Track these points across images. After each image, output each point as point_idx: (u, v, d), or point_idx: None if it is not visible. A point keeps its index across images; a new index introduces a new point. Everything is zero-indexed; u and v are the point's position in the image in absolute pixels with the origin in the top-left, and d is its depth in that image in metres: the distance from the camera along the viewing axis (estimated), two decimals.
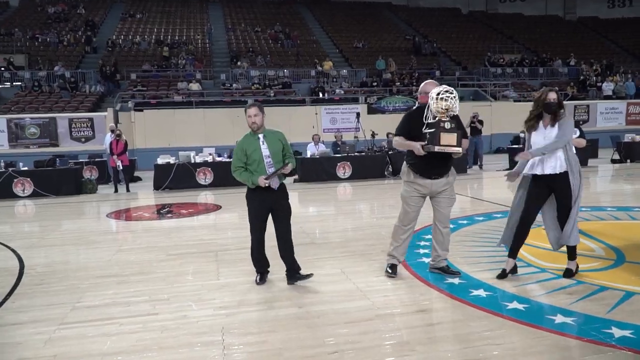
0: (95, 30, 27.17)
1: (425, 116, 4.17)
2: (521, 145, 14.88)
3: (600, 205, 7.63)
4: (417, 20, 32.47)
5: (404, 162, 4.50)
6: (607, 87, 23.12)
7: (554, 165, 4.13)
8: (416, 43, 27.96)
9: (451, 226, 6.51)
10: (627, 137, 15.46)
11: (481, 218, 7.06)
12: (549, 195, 4.27)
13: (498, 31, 32.05)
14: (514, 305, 3.70)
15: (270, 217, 4.48)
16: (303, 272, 4.49)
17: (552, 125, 4.15)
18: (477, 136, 14.75)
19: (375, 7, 33.81)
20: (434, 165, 4.27)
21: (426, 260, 4.93)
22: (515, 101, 21.93)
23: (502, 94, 22.72)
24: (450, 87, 4.14)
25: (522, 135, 15.64)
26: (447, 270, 4.53)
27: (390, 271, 4.55)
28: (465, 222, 6.83)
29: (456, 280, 4.32)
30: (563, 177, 4.13)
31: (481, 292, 3.99)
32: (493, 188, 11.38)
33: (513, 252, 4.37)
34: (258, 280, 4.55)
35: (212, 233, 7.08)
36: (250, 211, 4.43)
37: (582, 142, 5.85)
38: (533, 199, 4.28)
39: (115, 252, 6.04)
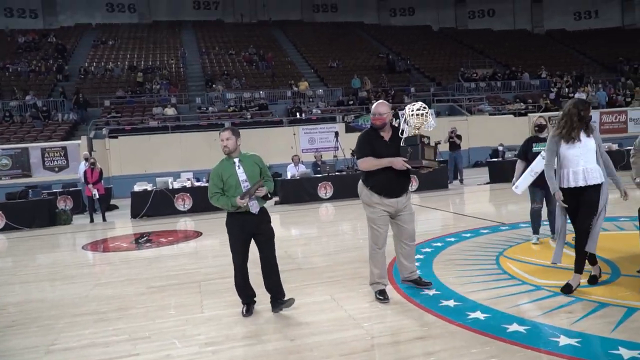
0: (67, 58, 26.77)
1: (401, 132, 4.24)
2: (501, 158, 15.00)
3: None
4: (389, 38, 32.94)
5: (361, 185, 4.45)
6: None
7: (596, 176, 4.13)
8: (390, 61, 28.29)
9: (439, 244, 6.47)
10: (604, 147, 15.67)
11: (468, 235, 6.96)
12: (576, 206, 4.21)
13: (469, 46, 32.71)
14: (515, 327, 3.55)
15: (254, 244, 4.32)
16: (286, 297, 4.35)
17: (587, 136, 4.19)
18: (456, 151, 14.82)
19: (347, 27, 34.25)
20: (397, 184, 4.32)
21: None
22: (490, 115, 22.25)
23: (478, 108, 23.04)
24: (424, 104, 4.30)
25: (500, 148, 15.80)
26: (420, 282, 4.60)
27: (381, 297, 4.40)
28: (452, 239, 6.72)
29: (451, 303, 4.17)
30: (596, 188, 4.13)
31: (479, 315, 3.85)
32: (476, 203, 11.35)
33: (591, 260, 4.33)
34: (244, 312, 4.34)
35: (194, 262, 6.83)
36: (231, 238, 4.29)
37: None
38: (570, 211, 4.26)
39: (93, 287, 5.75)
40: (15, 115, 20.43)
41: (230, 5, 34.88)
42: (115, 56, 27.43)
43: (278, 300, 4.32)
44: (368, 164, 4.30)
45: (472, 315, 3.86)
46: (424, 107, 4.22)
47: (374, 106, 4.41)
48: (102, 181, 12.21)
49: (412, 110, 4.19)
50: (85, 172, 12.07)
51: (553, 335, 3.38)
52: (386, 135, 4.36)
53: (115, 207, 14.32)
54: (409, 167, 4.16)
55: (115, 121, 20.36)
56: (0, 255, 9.01)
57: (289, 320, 4.13)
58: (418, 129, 4.19)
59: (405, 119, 4.22)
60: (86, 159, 12.67)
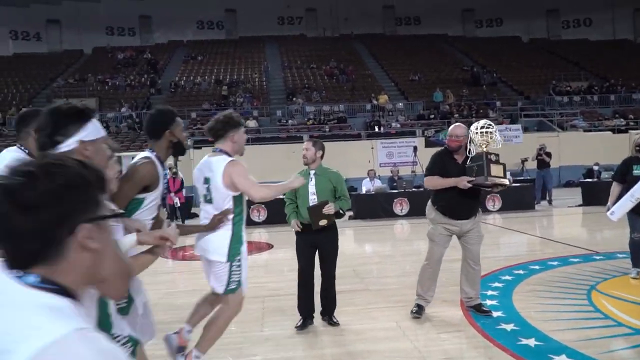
0: (160, 72, 28.50)
1: (469, 150, 4.28)
2: (596, 179, 13.80)
3: None
4: (474, 50, 31.79)
5: (429, 204, 4.53)
6: None
7: None
8: (474, 74, 27.26)
9: (520, 272, 5.93)
10: None
11: (555, 263, 6.32)
12: None
13: (562, 58, 30.75)
14: None
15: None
16: (336, 319, 4.41)
17: None
18: (544, 169, 13.83)
19: (431, 39, 33.52)
20: (464, 206, 4.32)
21: (494, 314, 4.38)
22: (585, 131, 20.63)
23: (571, 123, 21.48)
24: (489, 121, 4.33)
25: (595, 167, 14.56)
26: (479, 309, 4.43)
27: (414, 311, 4.42)
28: (536, 267, 6.12)
29: (532, 342, 3.71)
30: None
31: (564, 359, 3.38)
32: (566, 227, 10.42)
33: None
34: (299, 324, 4.28)
35: (261, 275, 6.78)
36: (297, 248, 4.40)
37: None
38: None
39: (164, 295, 5.86)
40: (112, 125, 21.97)
41: (313, 20, 35.51)
42: (203, 71, 28.78)
43: (327, 315, 4.42)
44: (433, 182, 4.40)
45: (557, 359, 3.39)
46: (490, 125, 4.25)
47: (450, 128, 4.48)
48: (184, 190, 12.67)
49: (477, 129, 4.21)
50: (167, 181, 12.58)
51: None
52: (459, 157, 4.37)
53: (196, 215, 14.81)
54: (474, 184, 4.14)
55: (200, 132, 21.23)
56: None
57: (350, 346, 3.90)
58: (484, 147, 4.17)
59: (470, 138, 4.23)
60: (169, 169, 13.23)
